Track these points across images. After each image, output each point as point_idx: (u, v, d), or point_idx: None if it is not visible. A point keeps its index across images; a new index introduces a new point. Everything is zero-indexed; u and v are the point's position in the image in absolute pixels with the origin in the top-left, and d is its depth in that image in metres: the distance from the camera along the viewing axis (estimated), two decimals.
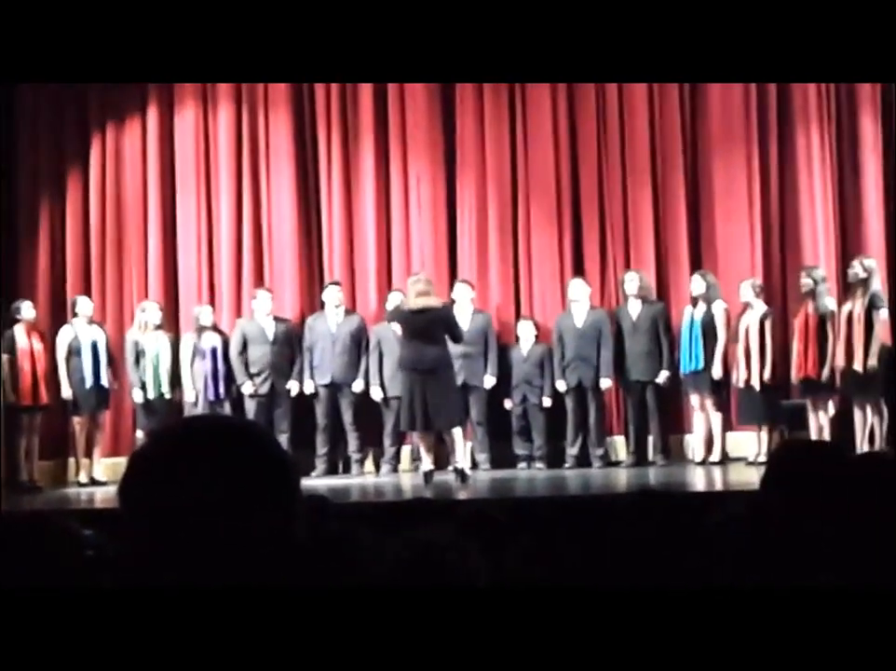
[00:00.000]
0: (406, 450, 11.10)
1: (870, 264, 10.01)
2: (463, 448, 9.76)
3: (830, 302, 10.11)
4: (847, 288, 10.21)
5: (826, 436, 9.74)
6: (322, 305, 11.27)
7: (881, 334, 9.80)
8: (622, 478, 10.16)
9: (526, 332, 11.06)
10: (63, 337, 11.05)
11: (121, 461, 10.04)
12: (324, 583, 1.83)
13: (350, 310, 11.32)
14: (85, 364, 10.96)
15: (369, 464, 11.18)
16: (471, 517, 3.85)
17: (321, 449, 11.06)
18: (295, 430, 11.04)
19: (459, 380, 10.24)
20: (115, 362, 11.21)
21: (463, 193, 11.52)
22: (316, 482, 10.21)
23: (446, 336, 9.58)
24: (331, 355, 11.02)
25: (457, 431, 9.69)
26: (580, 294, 10.91)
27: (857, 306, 9.83)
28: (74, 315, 11.12)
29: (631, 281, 10.84)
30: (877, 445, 9.55)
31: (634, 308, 10.86)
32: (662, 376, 10.76)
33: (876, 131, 11.02)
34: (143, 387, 11.01)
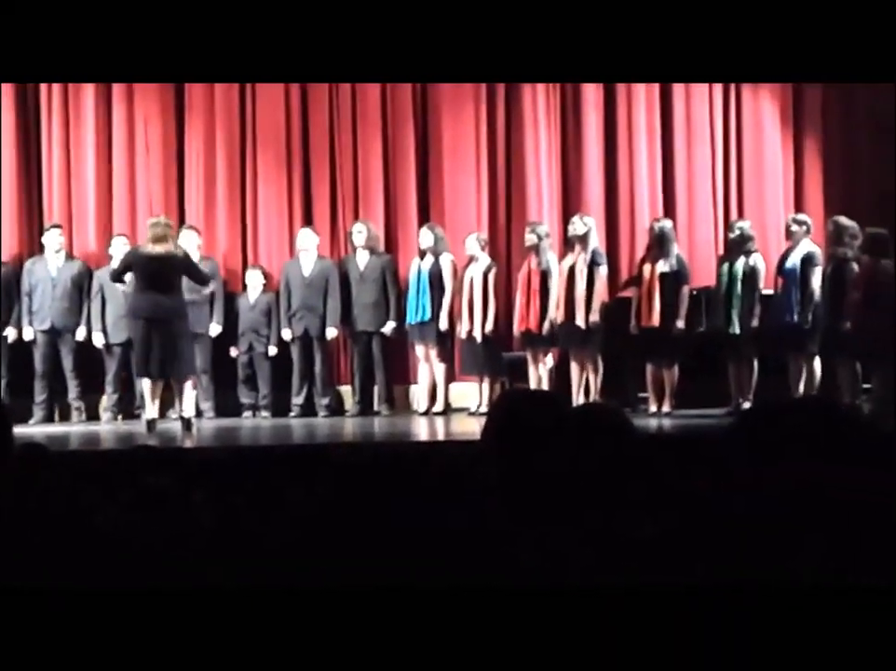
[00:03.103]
0: (127, 397, 10.89)
1: (589, 221, 10.33)
2: (190, 397, 9.67)
3: (552, 258, 10.39)
4: (567, 244, 10.51)
5: (545, 388, 10.02)
6: (42, 248, 10.91)
7: (601, 290, 10.15)
8: (347, 427, 10.25)
9: (254, 280, 11.00)
10: None
11: None
12: (44, 533, 1.79)
13: (71, 255, 11.00)
14: None
15: (89, 412, 10.92)
16: (197, 465, 3.83)
17: (39, 396, 10.76)
18: (13, 376, 10.70)
19: None
20: None
21: (191, 137, 11.31)
22: (33, 429, 9.93)
23: (185, 282, 9.48)
24: (51, 300, 10.72)
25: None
26: (309, 242, 10.90)
27: (579, 261, 10.14)
28: None
29: (360, 233, 10.89)
30: (592, 397, 9.91)
31: (362, 259, 10.92)
32: (388, 327, 10.87)
33: (598, 92, 11.34)
34: None
